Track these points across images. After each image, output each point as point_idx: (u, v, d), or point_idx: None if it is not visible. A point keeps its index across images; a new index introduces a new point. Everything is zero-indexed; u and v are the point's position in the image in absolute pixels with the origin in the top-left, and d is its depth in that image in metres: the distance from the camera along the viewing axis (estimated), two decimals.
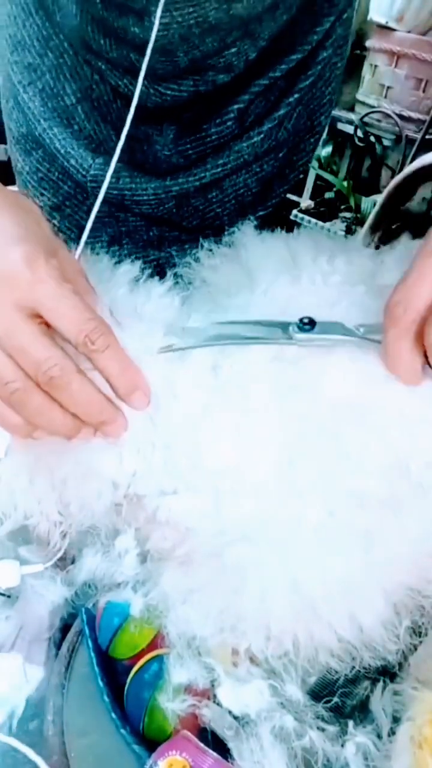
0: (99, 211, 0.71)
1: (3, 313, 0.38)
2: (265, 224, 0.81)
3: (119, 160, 0.71)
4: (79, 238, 0.46)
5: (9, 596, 0.47)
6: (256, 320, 0.42)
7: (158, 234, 0.77)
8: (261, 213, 0.78)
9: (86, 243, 0.46)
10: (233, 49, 0.65)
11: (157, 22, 0.46)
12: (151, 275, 0.69)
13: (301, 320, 0.40)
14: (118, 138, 0.57)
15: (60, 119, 0.72)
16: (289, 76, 0.71)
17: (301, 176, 0.82)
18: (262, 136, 0.71)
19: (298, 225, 2.28)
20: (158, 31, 0.56)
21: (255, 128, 0.71)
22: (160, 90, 0.66)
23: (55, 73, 0.71)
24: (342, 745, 0.41)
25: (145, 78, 0.64)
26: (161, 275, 0.78)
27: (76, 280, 0.41)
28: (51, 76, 0.71)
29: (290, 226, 0.61)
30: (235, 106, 0.70)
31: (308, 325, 0.40)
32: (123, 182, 0.71)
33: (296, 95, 0.72)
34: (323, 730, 0.41)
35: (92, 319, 0.39)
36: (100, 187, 0.71)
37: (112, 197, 0.72)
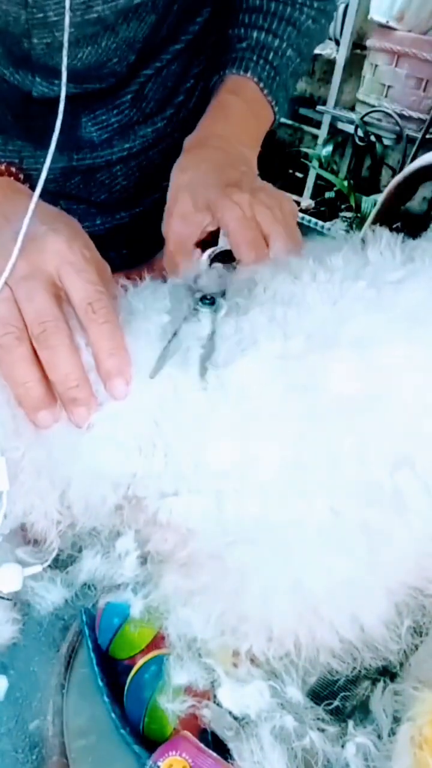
0: None
1: (30, 271, 0.41)
2: None
3: (19, 138, 0.71)
4: None
5: (10, 599, 0.47)
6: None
7: (66, 208, 0.77)
8: (165, 183, 0.81)
9: None
10: (114, 59, 0.66)
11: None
12: None
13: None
14: (14, 117, 0.57)
15: None
16: (181, 62, 0.73)
17: None
18: (165, 121, 0.74)
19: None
20: (41, 50, 0.59)
21: (158, 114, 0.74)
22: (44, 84, 0.66)
23: None
24: (342, 746, 0.41)
25: (27, 71, 0.64)
26: None
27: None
28: None
29: None
30: (128, 96, 0.71)
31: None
32: (27, 162, 0.71)
33: (192, 81, 0.74)
34: (323, 730, 0.41)
35: (102, 293, 0.41)
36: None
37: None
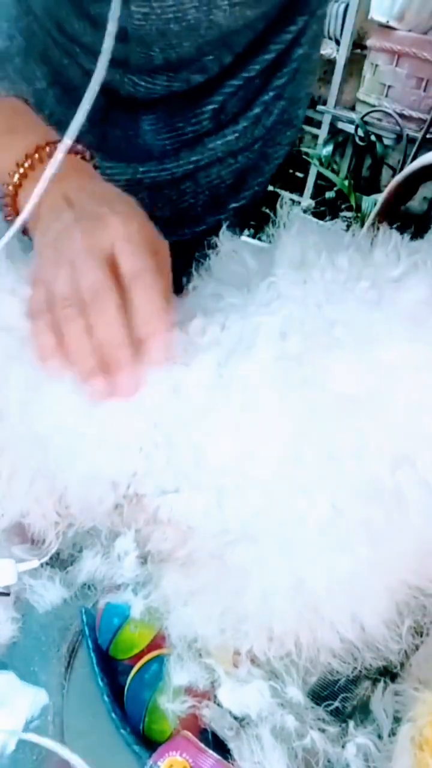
0: None
1: (89, 248, 0.42)
2: (240, 217, 0.80)
3: (90, 146, 0.71)
4: None
5: (8, 594, 0.47)
6: None
7: None
8: (234, 205, 0.79)
9: None
10: (210, 56, 0.65)
11: (116, 9, 0.47)
12: None
13: None
14: (90, 123, 0.57)
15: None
16: (263, 75, 0.72)
17: (275, 169, 0.83)
18: (237, 134, 0.72)
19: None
20: (137, 20, 0.57)
21: (230, 126, 0.72)
22: (134, 80, 0.66)
23: (24, 56, 0.70)
24: (343, 746, 0.41)
25: (119, 66, 0.65)
26: None
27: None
28: (21, 58, 0.70)
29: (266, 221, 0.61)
30: (210, 107, 0.70)
31: None
32: None
33: (271, 93, 0.73)
34: (324, 730, 0.41)
35: (148, 267, 0.42)
36: None
37: None
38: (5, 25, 0.69)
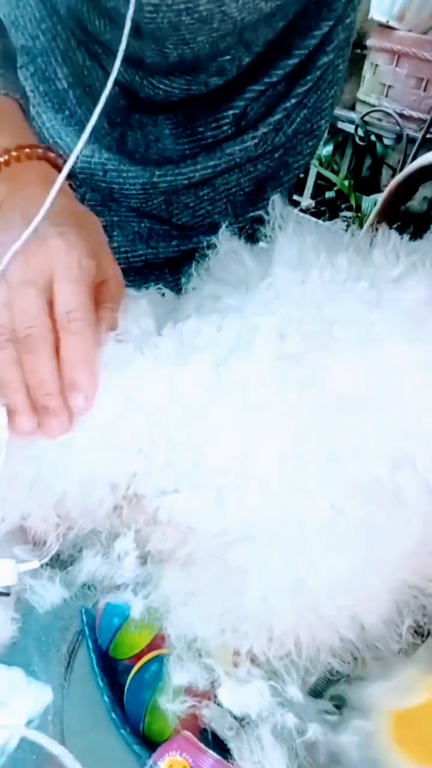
0: (90, 199, 0.70)
1: (28, 274, 0.41)
2: (257, 224, 0.80)
3: (108, 149, 0.71)
4: None
5: (8, 594, 0.47)
6: None
7: (148, 227, 0.77)
8: (252, 214, 0.78)
9: None
10: (227, 56, 0.64)
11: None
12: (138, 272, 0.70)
13: None
14: (110, 125, 0.55)
15: (52, 104, 0.71)
16: (286, 81, 0.71)
17: (295, 179, 0.82)
18: (256, 140, 0.71)
19: None
20: (148, 12, 0.56)
21: (249, 132, 0.71)
22: (153, 82, 0.66)
23: (47, 57, 0.70)
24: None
25: (136, 67, 0.64)
26: (149, 271, 0.77)
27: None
28: (43, 59, 0.70)
29: None
30: (231, 111, 0.70)
31: None
32: (110, 176, 0.71)
33: (293, 100, 0.71)
34: (324, 722, 0.41)
35: (84, 304, 0.41)
36: (89, 178, 0.71)
37: (102, 188, 0.72)
38: (29, 26, 0.69)
